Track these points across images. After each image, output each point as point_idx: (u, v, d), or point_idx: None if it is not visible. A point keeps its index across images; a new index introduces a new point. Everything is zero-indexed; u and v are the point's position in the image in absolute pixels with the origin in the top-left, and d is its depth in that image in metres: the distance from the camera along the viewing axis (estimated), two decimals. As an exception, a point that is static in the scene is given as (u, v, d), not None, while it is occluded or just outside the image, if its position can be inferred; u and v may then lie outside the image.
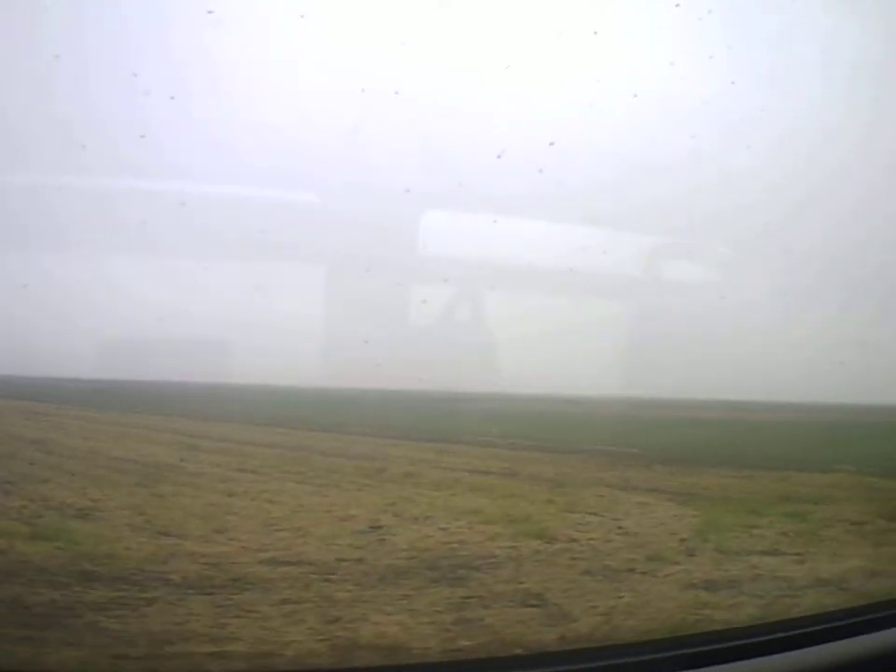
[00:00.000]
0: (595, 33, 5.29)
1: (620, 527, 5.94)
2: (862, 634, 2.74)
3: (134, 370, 8.11)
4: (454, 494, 6.91)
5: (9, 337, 6.95)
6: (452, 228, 6.19)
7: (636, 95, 5.70)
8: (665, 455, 9.14)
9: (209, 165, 5.98)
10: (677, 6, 5.33)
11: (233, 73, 5.48)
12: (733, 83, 5.83)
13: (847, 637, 2.70)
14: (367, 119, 5.30)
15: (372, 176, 5.87)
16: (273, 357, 7.52)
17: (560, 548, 5.38)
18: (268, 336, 7.32)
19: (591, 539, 5.63)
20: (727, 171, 6.45)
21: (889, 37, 6.00)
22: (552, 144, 5.48)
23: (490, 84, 5.70)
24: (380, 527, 5.66)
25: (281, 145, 5.86)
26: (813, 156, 6.83)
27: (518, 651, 3.71)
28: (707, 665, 2.51)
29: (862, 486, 7.60)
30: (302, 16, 5.01)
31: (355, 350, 6.99)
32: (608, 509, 6.52)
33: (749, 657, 2.56)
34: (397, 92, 5.13)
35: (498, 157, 5.47)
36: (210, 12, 4.78)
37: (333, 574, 4.60)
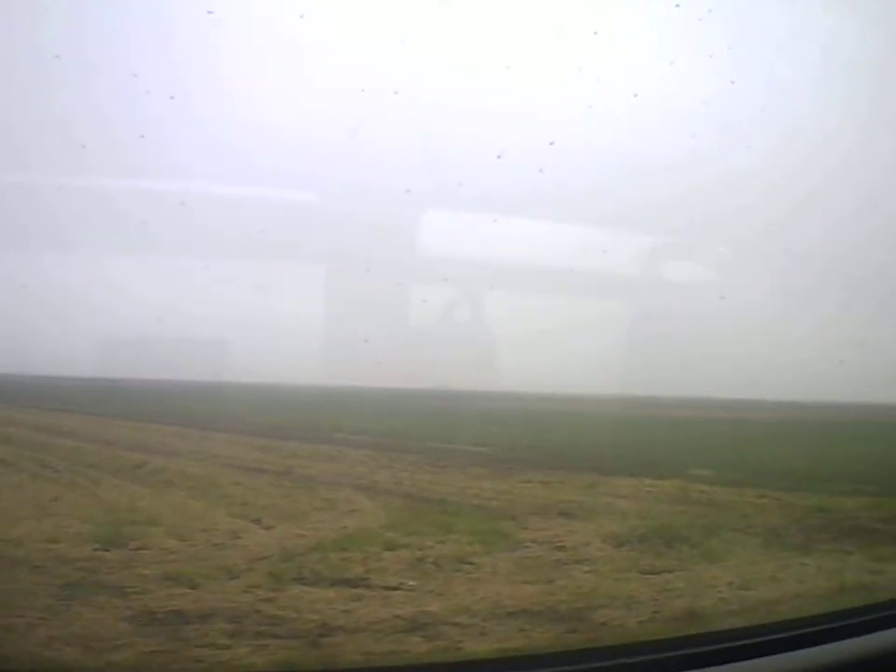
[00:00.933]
0: (595, 32, 5.30)
1: (239, 538, 5.34)
2: (862, 634, 2.75)
3: (134, 369, 8.15)
4: (161, 493, 6.70)
5: (9, 337, 6.97)
6: (452, 228, 6.19)
7: (636, 95, 5.71)
8: (518, 455, 8.80)
9: (209, 165, 5.99)
10: (677, 6, 5.33)
11: (233, 73, 5.49)
12: (733, 83, 5.83)
13: (847, 637, 2.70)
14: (367, 118, 5.30)
15: (372, 176, 5.88)
16: (273, 356, 7.54)
17: (100, 556, 4.79)
18: (268, 336, 7.34)
19: (167, 547, 4.97)
20: (727, 171, 6.45)
21: (889, 37, 6.00)
22: (552, 144, 5.49)
23: (490, 83, 5.71)
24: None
25: (281, 145, 5.87)
26: (813, 156, 6.84)
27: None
28: (707, 665, 2.51)
29: (675, 497, 6.79)
30: (302, 16, 5.02)
31: (355, 349, 7.01)
32: (296, 516, 5.97)
33: (748, 657, 2.56)
34: (396, 92, 5.14)
35: (498, 157, 5.47)
36: (210, 12, 4.79)
37: None
